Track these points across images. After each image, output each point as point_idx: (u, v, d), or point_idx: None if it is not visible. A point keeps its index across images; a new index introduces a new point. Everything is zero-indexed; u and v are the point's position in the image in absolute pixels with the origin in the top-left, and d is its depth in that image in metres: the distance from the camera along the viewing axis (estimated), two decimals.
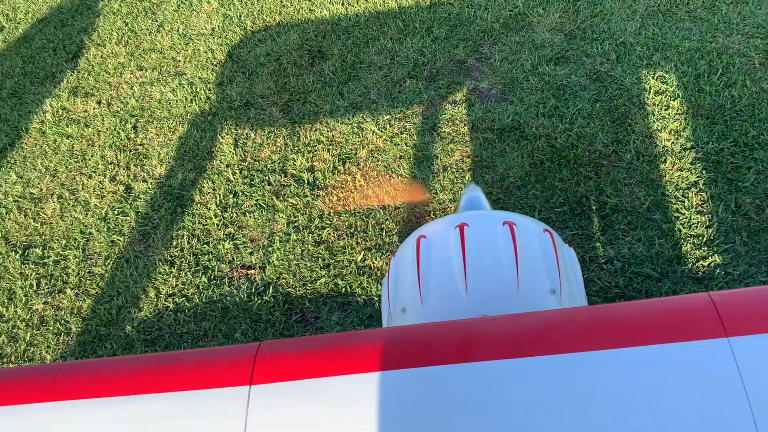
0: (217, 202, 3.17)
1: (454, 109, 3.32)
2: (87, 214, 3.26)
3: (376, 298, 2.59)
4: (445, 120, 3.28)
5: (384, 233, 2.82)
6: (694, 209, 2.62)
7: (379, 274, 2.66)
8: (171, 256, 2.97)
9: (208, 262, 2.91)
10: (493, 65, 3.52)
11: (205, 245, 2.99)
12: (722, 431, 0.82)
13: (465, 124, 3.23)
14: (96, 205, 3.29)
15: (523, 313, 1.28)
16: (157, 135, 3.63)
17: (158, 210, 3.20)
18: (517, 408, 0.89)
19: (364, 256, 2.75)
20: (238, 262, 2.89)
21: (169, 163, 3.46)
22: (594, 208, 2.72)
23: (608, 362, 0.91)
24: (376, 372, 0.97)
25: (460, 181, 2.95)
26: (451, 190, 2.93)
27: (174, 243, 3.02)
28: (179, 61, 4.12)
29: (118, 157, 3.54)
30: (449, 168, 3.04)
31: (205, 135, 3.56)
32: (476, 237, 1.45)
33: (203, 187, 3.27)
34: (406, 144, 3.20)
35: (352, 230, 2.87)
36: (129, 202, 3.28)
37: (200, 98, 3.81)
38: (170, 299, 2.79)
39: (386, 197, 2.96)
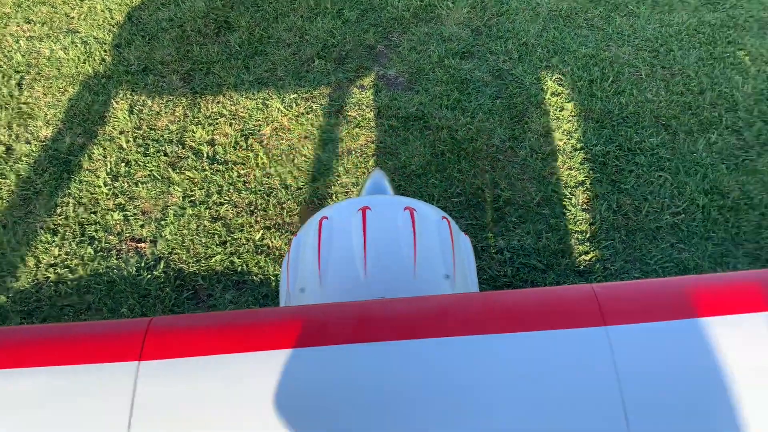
0: (108, 170, 3.01)
1: (361, 94, 3.33)
2: None
3: (272, 278, 2.57)
4: (352, 104, 3.28)
5: (285, 213, 2.80)
6: (579, 206, 2.78)
7: (277, 254, 2.64)
8: (54, 225, 2.80)
9: (95, 233, 2.77)
10: (401, 53, 3.56)
11: (92, 215, 2.84)
12: (594, 410, 0.88)
13: (371, 110, 3.25)
14: None
15: (420, 296, 1.32)
16: (45, 95, 3.40)
17: (42, 174, 3.00)
18: (410, 388, 0.91)
19: (263, 234, 2.71)
20: (128, 235, 2.77)
21: (57, 125, 3.25)
22: (488, 200, 2.83)
23: (498, 345, 0.96)
24: (271, 350, 0.96)
25: (363, 165, 2.97)
26: (354, 174, 2.94)
27: (58, 211, 2.85)
28: (73, 17, 3.86)
29: None
30: (353, 152, 3.05)
31: (97, 98, 3.37)
32: (378, 221, 1.47)
33: (93, 153, 3.10)
34: (311, 124, 3.18)
35: (251, 208, 2.83)
36: (9, 164, 3.05)
37: (94, 59, 3.59)
38: (51, 269, 2.64)
39: (288, 176, 2.93)
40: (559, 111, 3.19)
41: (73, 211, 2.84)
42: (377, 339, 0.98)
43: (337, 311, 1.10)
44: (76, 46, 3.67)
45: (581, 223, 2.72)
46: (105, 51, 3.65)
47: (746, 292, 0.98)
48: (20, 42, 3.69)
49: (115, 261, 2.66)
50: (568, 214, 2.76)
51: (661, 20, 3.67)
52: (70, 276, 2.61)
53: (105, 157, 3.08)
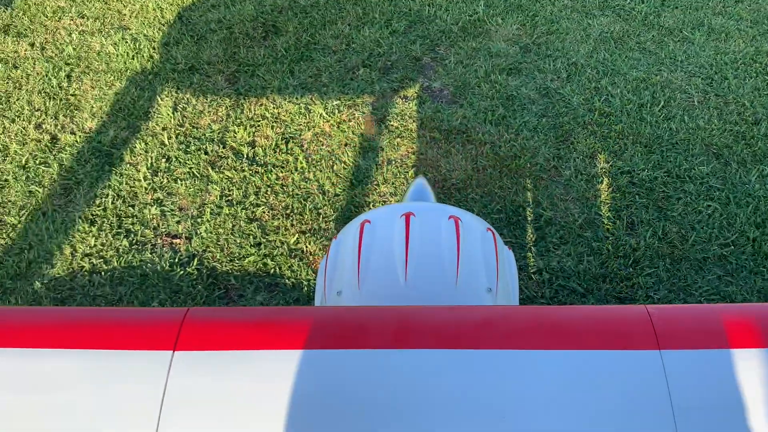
0: (149, 165, 3.03)
1: (404, 104, 3.31)
2: (5, 159, 3.05)
3: (305, 283, 2.53)
4: (395, 114, 3.26)
5: (321, 218, 2.77)
6: (623, 231, 2.70)
7: (311, 259, 2.60)
8: (92, 215, 2.81)
9: (131, 226, 2.77)
10: (447, 66, 3.52)
11: (130, 208, 2.85)
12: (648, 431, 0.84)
13: (414, 121, 3.21)
14: (16, 151, 3.08)
15: (463, 306, 1.27)
16: (92, 88, 3.44)
17: (84, 165, 3.03)
18: (449, 399, 0.87)
19: (297, 238, 2.69)
20: (164, 230, 2.76)
21: (102, 118, 3.28)
22: (529, 218, 2.76)
23: (544, 362, 0.91)
24: (307, 349, 0.93)
25: (402, 176, 2.93)
26: (393, 183, 2.90)
27: (97, 202, 2.87)
28: (125, 14, 3.92)
29: (47, 105, 3.33)
30: (393, 161, 3.01)
31: (143, 94, 3.41)
32: (421, 227, 1.43)
33: (135, 147, 3.12)
34: (353, 132, 3.16)
35: (288, 211, 2.80)
36: (53, 153, 3.09)
37: (143, 56, 3.64)
38: (86, 259, 2.64)
39: (327, 182, 2.91)
40: (607, 132, 3.11)
41: (112, 203, 2.85)
42: (417, 346, 0.94)
43: (378, 314, 1.06)
44: (126, 42, 3.72)
45: (624, 249, 2.63)
46: (154, 48, 3.69)
47: None
48: (72, 35, 3.76)
49: (149, 255, 2.66)
50: (611, 238, 2.68)
51: (717, 48, 3.57)
52: (104, 267, 2.61)
53: (146, 151, 3.09)
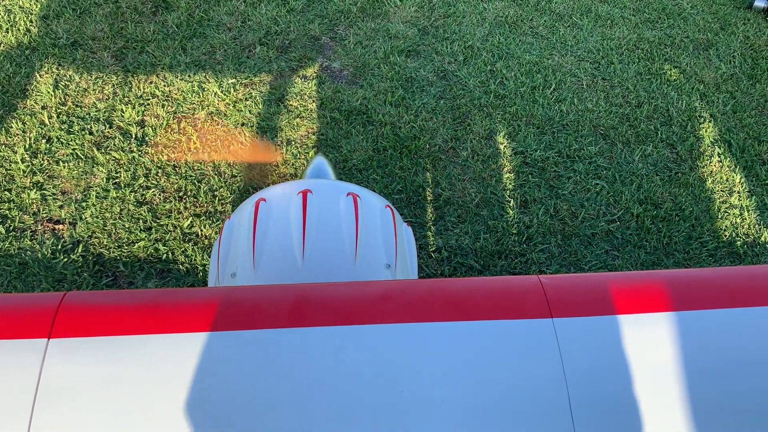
0: (27, 146, 2.81)
1: (303, 84, 3.24)
2: None
3: (200, 268, 2.44)
4: (294, 93, 3.19)
5: (216, 200, 2.67)
6: (517, 210, 2.78)
7: (206, 243, 2.51)
8: None
9: (8, 211, 2.56)
10: (346, 47, 3.49)
11: (6, 192, 2.63)
12: (541, 397, 0.85)
13: (314, 101, 3.16)
14: None
15: (360, 281, 1.25)
16: None
17: None
18: (346, 376, 0.85)
19: (191, 222, 2.58)
20: (45, 215, 2.57)
21: None
22: (429, 198, 2.79)
23: (441, 334, 0.91)
24: (196, 332, 0.88)
25: (303, 156, 2.88)
26: (293, 164, 2.84)
27: None
28: None
29: None
30: (293, 142, 2.95)
31: (19, 70, 3.15)
32: (319, 204, 1.40)
33: (11, 127, 2.88)
34: (250, 111, 3.06)
35: (180, 194, 2.68)
36: None
37: (19, 29, 3.36)
38: None
39: (222, 163, 2.80)
40: (501, 115, 3.19)
41: None
42: (313, 324, 0.91)
43: (272, 293, 1.02)
44: None
45: (518, 226, 2.72)
46: (31, 22, 3.42)
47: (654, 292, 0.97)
48: None
49: (28, 242, 2.47)
50: (506, 216, 2.75)
51: (603, 34, 3.74)
52: None
53: (24, 132, 2.86)
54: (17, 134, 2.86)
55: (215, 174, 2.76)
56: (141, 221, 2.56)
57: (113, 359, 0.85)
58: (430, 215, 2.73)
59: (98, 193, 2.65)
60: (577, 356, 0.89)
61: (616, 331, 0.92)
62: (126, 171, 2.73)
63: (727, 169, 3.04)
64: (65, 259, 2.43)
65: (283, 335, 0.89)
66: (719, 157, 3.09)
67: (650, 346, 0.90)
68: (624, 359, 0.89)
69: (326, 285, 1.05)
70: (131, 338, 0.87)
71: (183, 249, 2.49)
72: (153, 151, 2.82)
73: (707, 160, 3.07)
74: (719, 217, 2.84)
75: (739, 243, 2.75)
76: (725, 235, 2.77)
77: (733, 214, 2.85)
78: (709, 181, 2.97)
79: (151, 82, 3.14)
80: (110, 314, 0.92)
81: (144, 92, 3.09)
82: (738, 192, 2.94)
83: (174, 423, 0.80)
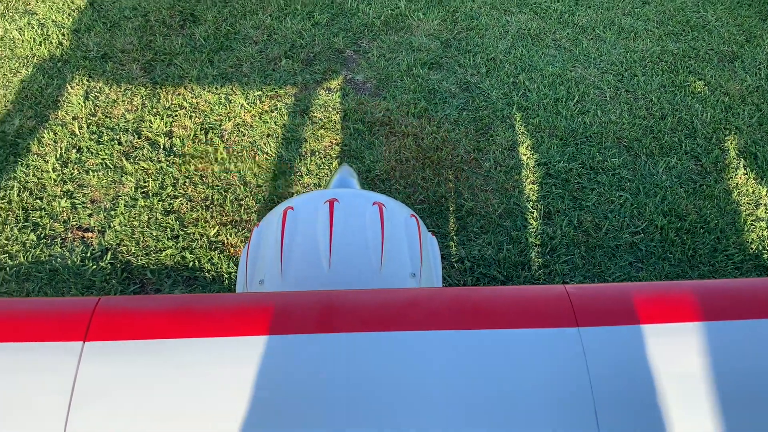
0: (58, 155, 2.87)
1: (327, 96, 3.28)
2: None
3: (226, 276, 2.47)
4: (318, 105, 3.23)
5: (242, 209, 2.71)
6: (541, 221, 2.78)
7: (232, 251, 2.54)
8: None
9: (39, 219, 2.62)
10: (370, 60, 3.52)
11: (38, 200, 2.69)
12: (568, 407, 0.85)
13: (337, 112, 3.19)
14: None
15: (387, 289, 1.26)
16: None
17: None
18: (374, 381, 0.86)
19: (218, 231, 2.62)
20: (75, 223, 2.63)
21: (6, 106, 3.09)
22: (451, 209, 2.80)
23: (468, 341, 0.92)
24: (227, 337, 0.90)
25: (327, 167, 2.91)
26: (317, 175, 2.88)
27: (1, 194, 2.70)
28: None
29: None
30: (317, 153, 2.99)
31: (52, 82, 3.23)
32: (345, 213, 1.42)
33: (43, 137, 2.95)
34: (275, 123, 3.11)
35: (207, 203, 2.73)
36: None
37: (51, 42, 3.45)
38: None
39: (248, 173, 2.85)
40: (524, 126, 3.20)
41: (17, 195, 2.69)
42: (342, 330, 0.93)
43: (301, 299, 1.04)
44: (33, 27, 3.52)
45: (542, 237, 2.72)
46: (63, 35, 3.51)
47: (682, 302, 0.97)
48: None
49: (59, 249, 2.52)
50: (529, 227, 2.75)
51: (627, 46, 3.74)
52: (9, 262, 2.46)
53: (56, 142, 2.94)
54: (49, 144, 2.93)
55: (241, 184, 2.81)
56: (168, 230, 2.61)
57: (147, 362, 0.87)
58: (453, 225, 2.74)
59: (126, 201, 2.70)
60: (603, 366, 0.89)
61: (643, 341, 0.92)
62: (154, 180, 2.79)
63: (753, 181, 3.01)
64: (94, 266, 2.48)
65: (312, 341, 0.90)
66: (745, 169, 3.06)
67: (677, 356, 0.90)
68: (651, 369, 0.89)
69: (354, 292, 1.07)
70: (165, 342, 0.89)
71: (209, 257, 2.52)
72: (180, 161, 2.87)
73: (732, 172, 3.05)
74: (745, 229, 2.81)
75: (766, 256, 2.72)
76: (751, 248, 2.75)
77: (760, 227, 2.82)
78: (735, 194, 2.95)
79: (178, 94, 3.21)
80: (144, 318, 0.94)
81: (172, 104, 3.15)
82: (765, 204, 2.91)
83: (206, 426, 0.81)
